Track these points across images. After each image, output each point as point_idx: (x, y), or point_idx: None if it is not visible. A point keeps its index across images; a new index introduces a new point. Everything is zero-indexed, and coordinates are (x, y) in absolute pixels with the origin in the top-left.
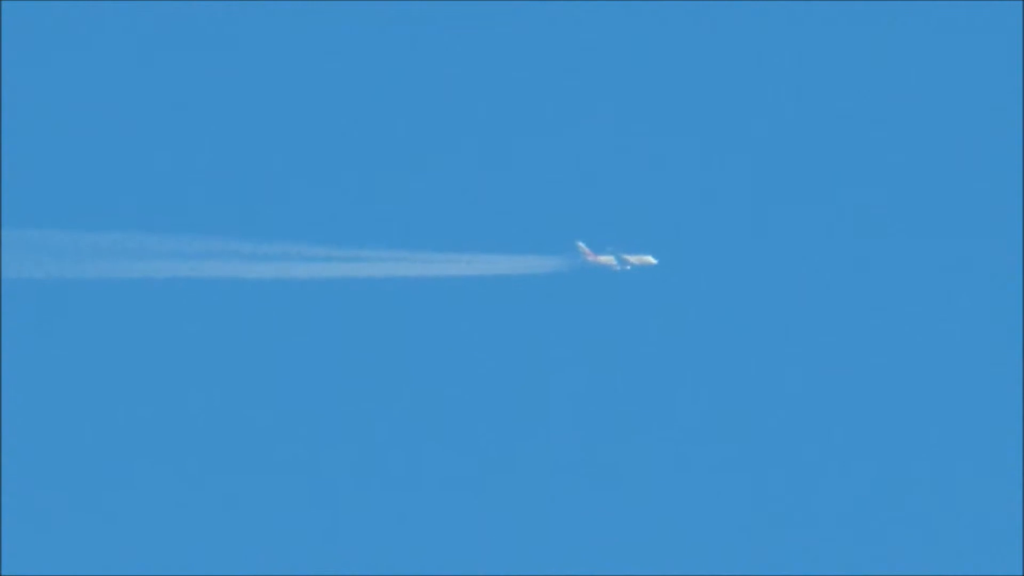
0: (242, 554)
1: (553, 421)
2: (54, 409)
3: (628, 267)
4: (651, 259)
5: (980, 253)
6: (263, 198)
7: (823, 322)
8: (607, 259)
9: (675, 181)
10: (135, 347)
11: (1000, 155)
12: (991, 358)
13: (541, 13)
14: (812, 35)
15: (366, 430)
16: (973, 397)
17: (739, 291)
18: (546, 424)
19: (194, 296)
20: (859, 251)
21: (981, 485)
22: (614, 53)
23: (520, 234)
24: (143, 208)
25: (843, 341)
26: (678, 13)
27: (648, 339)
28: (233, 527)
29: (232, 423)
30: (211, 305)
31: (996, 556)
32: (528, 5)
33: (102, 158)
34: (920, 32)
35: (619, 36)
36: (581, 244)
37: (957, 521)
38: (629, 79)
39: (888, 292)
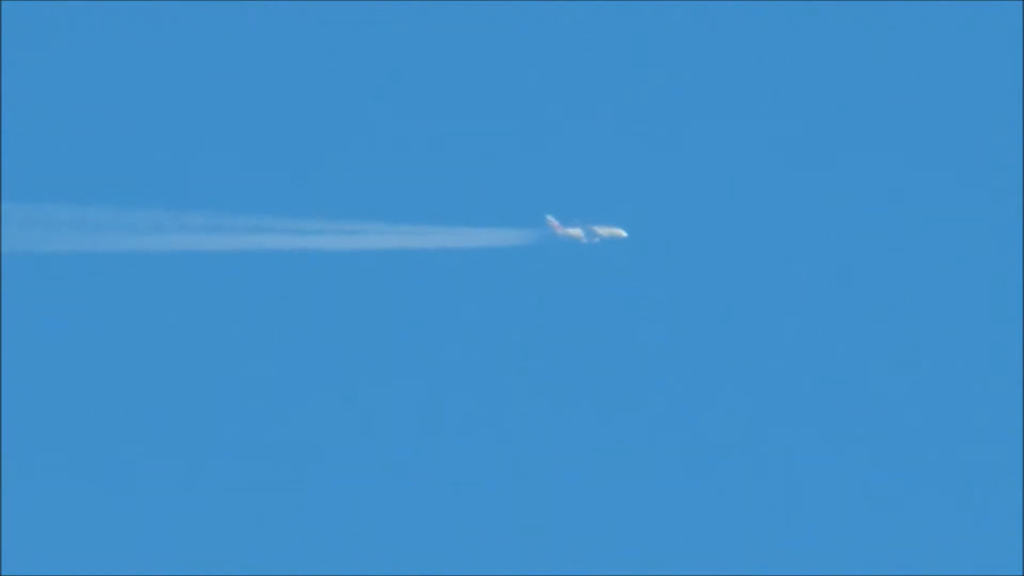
0: (242, 553)
1: (521, 395)
2: (54, 392)
3: (597, 239)
4: (621, 232)
5: (980, 253)
6: (246, 174)
7: (798, 297)
8: (576, 232)
9: (646, 153)
10: (133, 324)
11: (1000, 155)
12: (991, 358)
13: None
14: (812, 35)
15: (332, 405)
16: (973, 397)
17: (710, 264)
18: (514, 398)
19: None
20: (840, 232)
21: (981, 485)
22: (584, 29)
23: (489, 207)
24: (139, 183)
25: (821, 319)
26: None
27: (615, 311)
28: (230, 518)
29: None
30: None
31: (996, 556)
32: None
33: (101, 138)
34: (920, 32)
35: (591, 14)
36: (550, 217)
37: (957, 521)
38: (601, 54)
39: (870, 275)
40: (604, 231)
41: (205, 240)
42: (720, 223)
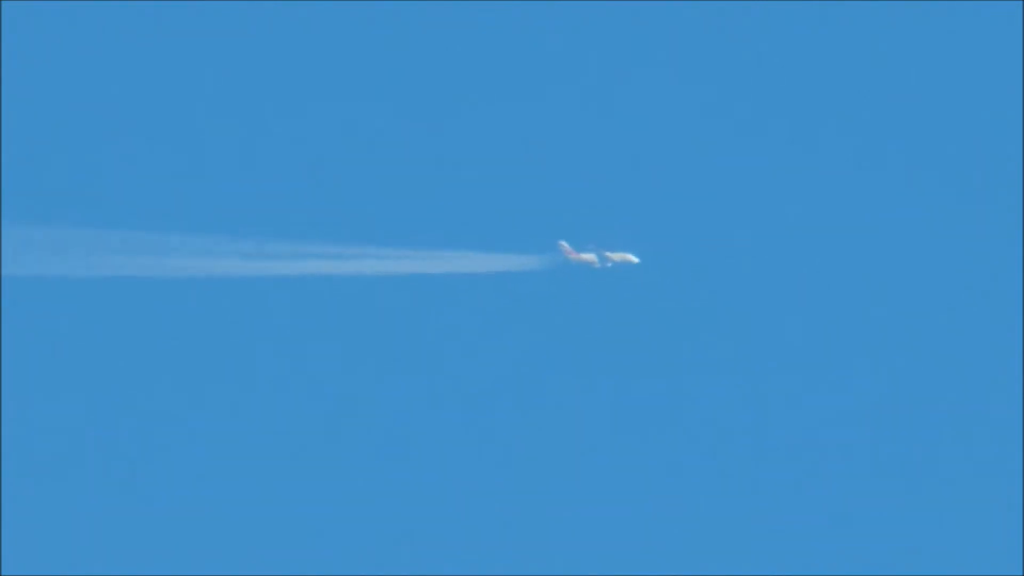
0: (242, 554)
1: (534, 418)
2: (54, 409)
3: (609, 264)
4: (632, 257)
5: (980, 253)
6: (257, 196)
7: (807, 321)
8: (589, 257)
9: (659, 180)
10: (136, 346)
11: (1000, 155)
12: (992, 358)
13: (529, 13)
14: (812, 35)
15: (347, 427)
16: (973, 397)
17: (721, 289)
18: (528, 421)
19: (189, 295)
20: (850, 251)
21: (981, 485)
22: (600, 51)
23: (502, 233)
24: (143, 205)
25: (829, 340)
26: (667, 13)
27: (628, 336)
28: (234, 526)
29: (223, 420)
30: (197, 303)
31: (996, 556)
32: (516, 5)
33: (103, 156)
34: (920, 32)
35: (605, 34)
36: (563, 243)
37: (957, 521)
38: (614, 77)
39: (881, 295)
40: (616, 256)
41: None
42: (731, 247)
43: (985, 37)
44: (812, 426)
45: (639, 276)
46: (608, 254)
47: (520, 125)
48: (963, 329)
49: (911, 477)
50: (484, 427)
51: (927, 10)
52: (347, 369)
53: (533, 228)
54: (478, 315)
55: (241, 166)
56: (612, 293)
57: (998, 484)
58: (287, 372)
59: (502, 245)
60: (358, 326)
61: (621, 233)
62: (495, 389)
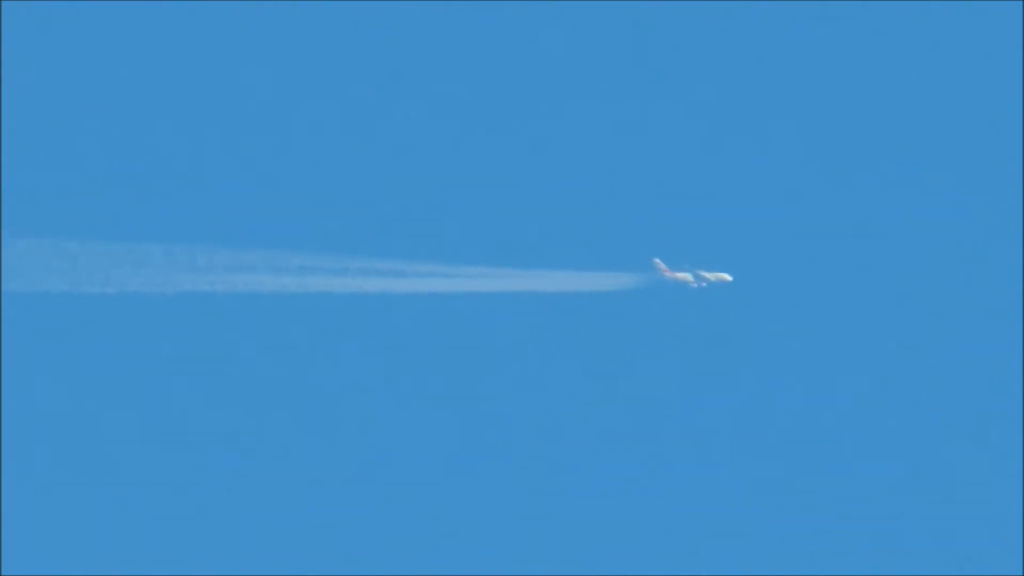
0: (241, 553)
1: (626, 435)
2: (56, 419)
3: (704, 284)
4: (727, 276)
5: (980, 253)
6: (301, 208)
7: (891, 340)
8: (684, 276)
9: (754, 198)
10: (138, 360)
11: (1000, 155)
12: (992, 359)
13: (610, 17)
14: (811, 35)
15: (436, 444)
16: (973, 397)
17: (813, 309)
18: (619, 438)
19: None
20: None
21: (981, 485)
22: (695, 65)
23: (598, 251)
24: (148, 216)
25: (905, 363)
26: (741, 23)
27: (723, 355)
28: (235, 530)
29: (234, 434)
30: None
31: (996, 556)
32: (594, 7)
33: (105, 164)
34: (920, 32)
35: (697, 44)
36: (658, 261)
37: (957, 521)
38: (710, 93)
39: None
40: (711, 276)
41: (303, 281)
42: (825, 269)
43: (985, 37)
44: (815, 425)
45: (734, 295)
46: (703, 273)
47: (619, 141)
48: (964, 328)
49: (911, 477)
50: (578, 449)
51: (927, 10)
52: (442, 388)
53: (630, 247)
54: (574, 334)
55: (294, 180)
56: (707, 311)
57: (998, 484)
58: (362, 389)
59: (597, 264)
60: (455, 344)
61: (716, 252)
62: (591, 409)
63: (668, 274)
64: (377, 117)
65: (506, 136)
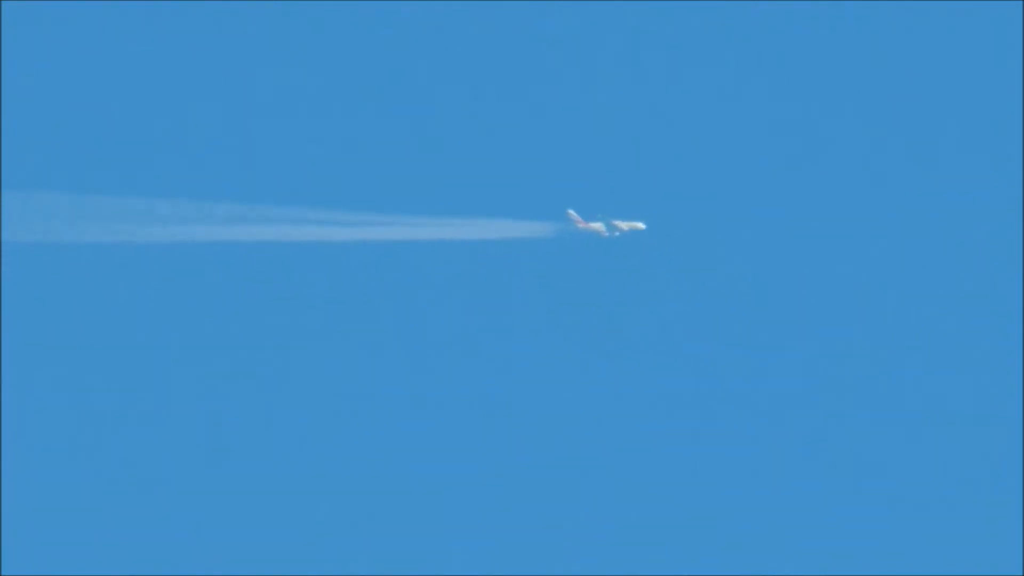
0: (242, 553)
1: (539, 385)
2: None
3: (617, 233)
4: (640, 225)
5: (980, 253)
6: (258, 163)
7: (806, 289)
8: (597, 226)
9: (667, 148)
10: (135, 313)
11: (1000, 155)
12: (992, 359)
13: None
14: (812, 35)
15: (356, 394)
16: (973, 397)
17: (727, 260)
18: (533, 387)
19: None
20: (849, 230)
21: (981, 485)
22: (606, 21)
23: (512, 200)
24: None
25: (833, 320)
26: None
27: (635, 304)
28: (233, 518)
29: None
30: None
31: (996, 556)
32: None
33: (104, 125)
34: (920, 32)
35: (609, 9)
36: (571, 211)
37: (957, 521)
38: (621, 46)
39: (880, 279)
40: (624, 225)
41: (223, 231)
42: (735, 218)
43: (985, 37)
44: (810, 422)
45: (647, 244)
46: (616, 222)
47: (531, 95)
48: (964, 328)
49: (911, 477)
50: (486, 395)
51: (927, 10)
52: (348, 338)
53: (544, 197)
54: (485, 282)
55: (248, 132)
56: (619, 261)
57: (998, 484)
58: (290, 338)
59: (511, 212)
60: (361, 293)
61: (629, 201)
62: (501, 357)
63: (581, 224)
64: (308, 69)
65: (429, 87)
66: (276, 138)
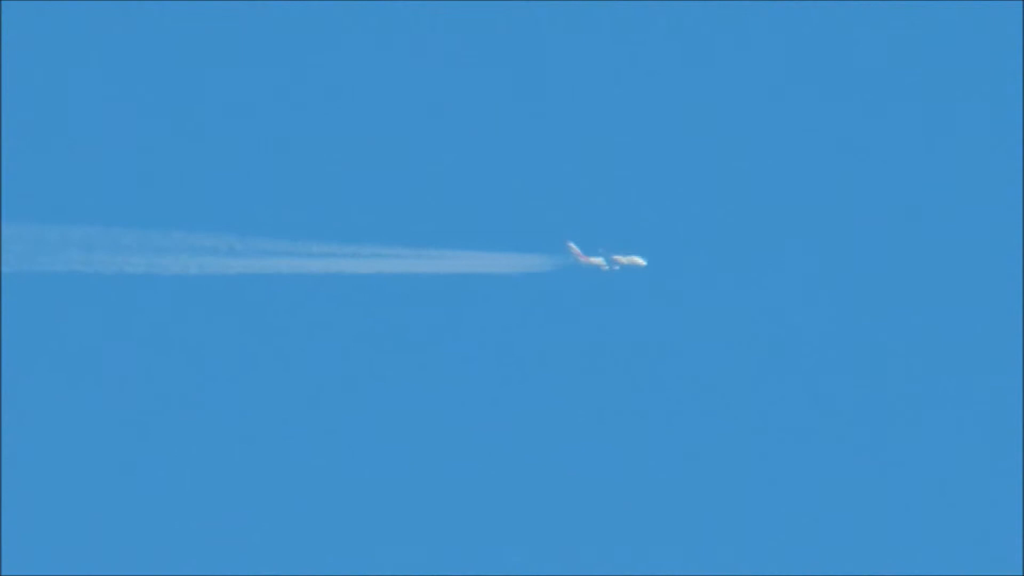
0: (242, 553)
1: (538, 418)
2: (54, 407)
3: (617, 267)
4: (640, 260)
5: (980, 254)
6: (265, 196)
7: (811, 325)
8: (597, 260)
9: (669, 183)
10: (134, 343)
11: (1000, 155)
12: (992, 359)
13: (536, 13)
14: (812, 35)
15: (350, 426)
16: (973, 397)
17: (727, 294)
18: (532, 421)
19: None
20: (853, 254)
21: (981, 485)
22: (609, 53)
23: (513, 233)
24: (138, 204)
25: (835, 347)
26: (675, 15)
27: (634, 338)
28: (233, 525)
29: (222, 418)
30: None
31: (996, 556)
32: (526, 5)
33: (101, 155)
34: (920, 32)
35: (611, 35)
36: (571, 244)
37: (957, 521)
38: (624, 80)
39: (886, 301)
40: (624, 259)
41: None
42: (736, 253)
43: (985, 37)
44: (811, 426)
45: (646, 279)
46: (616, 257)
47: (533, 127)
48: (964, 328)
49: (911, 477)
50: (487, 426)
51: (927, 10)
52: (349, 369)
53: (545, 230)
54: (485, 315)
55: (239, 164)
56: (619, 296)
57: (998, 484)
58: (288, 370)
59: (511, 245)
60: (366, 325)
61: (630, 236)
62: (501, 389)
63: (582, 258)
64: (292, 98)
65: (423, 116)
66: (259, 164)
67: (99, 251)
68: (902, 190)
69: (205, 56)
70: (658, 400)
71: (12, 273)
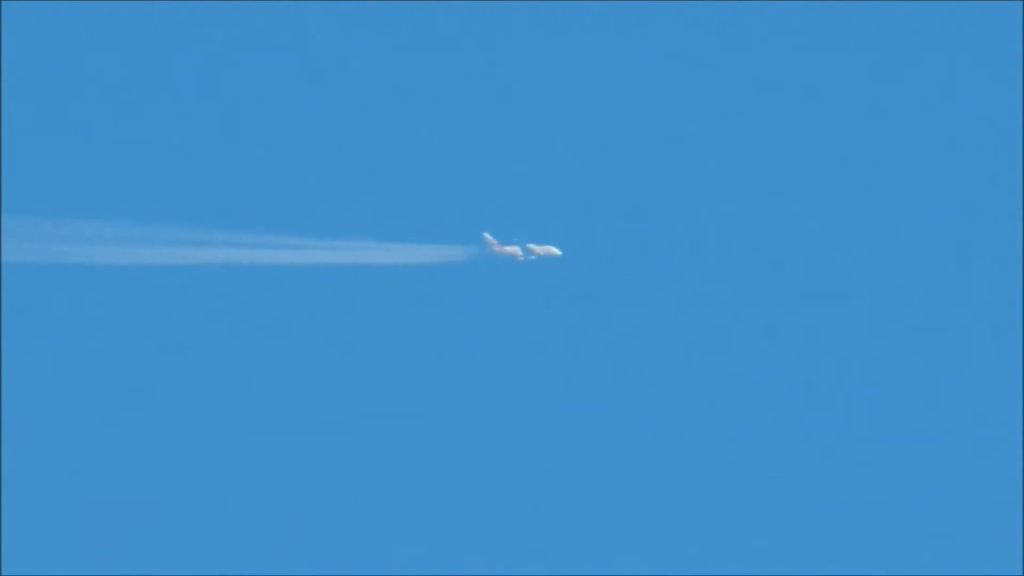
0: (242, 553)
1: (452, 409)
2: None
3: (532, 257)
4: (555, 250)
5: (980, 255)
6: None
7: (809, 325)
8: (513, 249)
9: (583, 172)
10: (131, 336)
11: (1000, 155)
12: (992, 359)
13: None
14: (811, 35)
15: (276, 415)
16: (973, 397)
17: (644, 283)
18: (447, 413)
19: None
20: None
21: (981, 485)
22: (526, 44)
23: (427, 224)
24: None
25: (761, 339)
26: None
27: (549, 328)
28: (230, 522)
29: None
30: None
31: (996, 556)
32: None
33: (99, 150)
34: (920, 32)
35: (534, 27)
36: (487, 235)
37: (957, 521)
38: (541, 68)
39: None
40: (540, 249)
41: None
42: (657, 241)
43: (985, 37)
44: (808, 422)
45: (561, 269)
46: (532, 247)
47: (445, 117)
48: (964, 328)
49: (911, 477)
50: (405, 422)
51: (927, 10)
52: (273, 361)
53: (460, 221)
54: (399, 306)
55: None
56: (534, 286)
57: (998, 484)
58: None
59: (426, 236)
60: (281, 317)
61: (545, 226)
62: (415, 381)
63: (497, 248)
64: (216, 90)
65: (339, 106)
66: (179, 156)
67: (80, 243)
68: (902, 190)
69: (186, 53)
70: (570, 394)
71: (8, 263)
